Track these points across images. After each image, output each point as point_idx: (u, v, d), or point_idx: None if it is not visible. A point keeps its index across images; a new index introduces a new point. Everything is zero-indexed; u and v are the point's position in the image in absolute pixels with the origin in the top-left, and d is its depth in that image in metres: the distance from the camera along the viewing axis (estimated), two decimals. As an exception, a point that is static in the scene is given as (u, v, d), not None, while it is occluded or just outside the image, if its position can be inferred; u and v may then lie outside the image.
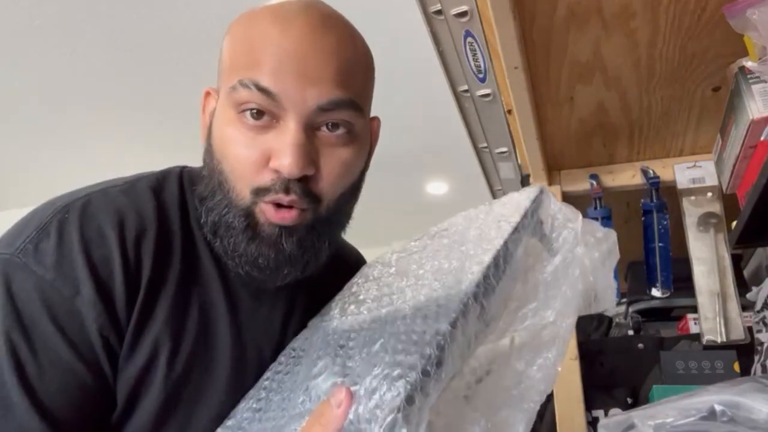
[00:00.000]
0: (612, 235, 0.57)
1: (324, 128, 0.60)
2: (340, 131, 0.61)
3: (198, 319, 0.63)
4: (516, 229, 0.55)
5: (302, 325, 0.70)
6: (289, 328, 0.70)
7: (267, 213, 0.60)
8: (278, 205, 0.60)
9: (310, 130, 0.60)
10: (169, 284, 0.61)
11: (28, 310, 0.54)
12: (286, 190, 0.59)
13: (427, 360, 0.43)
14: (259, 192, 0.60)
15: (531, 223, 0.57)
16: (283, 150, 0.58)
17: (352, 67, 0.62)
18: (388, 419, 0.40)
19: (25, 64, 2.84)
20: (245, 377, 0.65)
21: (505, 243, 0.53)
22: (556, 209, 0.58)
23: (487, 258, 0.52)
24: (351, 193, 0.66)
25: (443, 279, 0.54)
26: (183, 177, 0.69)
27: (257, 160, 0.59)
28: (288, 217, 0.60)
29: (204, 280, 0.65)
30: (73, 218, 0.58)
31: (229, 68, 0.62)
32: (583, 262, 0.54)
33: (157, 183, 0.66)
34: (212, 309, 0.64)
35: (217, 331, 0.64)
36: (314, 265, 0.65)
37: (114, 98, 3.11)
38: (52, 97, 3.10)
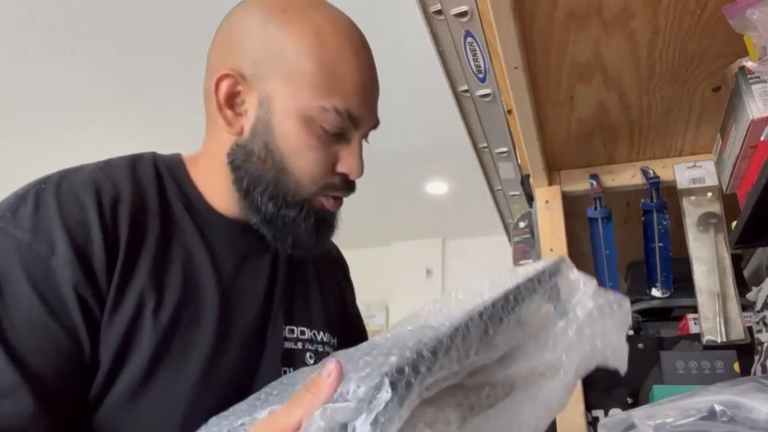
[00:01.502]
0: (626, 303, 0.60)
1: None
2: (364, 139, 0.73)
3: (182, 273, 0.65)
4: (530, 279, 0.57)
5: (287, 291, 0.75)
6: (275, 292, 0.74)
7: (325, 202, 0.71)
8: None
9: None
10: (148, 244, 0.64)
11: (5, 271, 0.57)
12: (349, 188, 0.72)
13: (422, 345, 0.45)
14: (327, 188, 0.70)
15: (547, 282, 0.58)
16: (354, 160, 0.70)
17: None
18: (375, 381, 0.41)
19: (25, 64, 2.84)
20: (233, 330, 0.67)
21: (518, 285, 0.55)
22: (573, 277, 0.61)
23: (498, 293, 0.54)
24: None
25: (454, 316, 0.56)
26: (156, 160, 0.73)
27: (327, 163, 0.69)
28: (337, 204, 0.73)
29: (185, 242, 0.68)
30: (50, 188, 0.62)
31: (288, 74, 0.66)
32: (594, 328, 0.57)
33: (132, 161, 0.71)
34: (196, 265, 0.67)
35: (201, 285, 0.67)
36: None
37: (114, 98, 3.11)
38: (52, 97, 3.10)
